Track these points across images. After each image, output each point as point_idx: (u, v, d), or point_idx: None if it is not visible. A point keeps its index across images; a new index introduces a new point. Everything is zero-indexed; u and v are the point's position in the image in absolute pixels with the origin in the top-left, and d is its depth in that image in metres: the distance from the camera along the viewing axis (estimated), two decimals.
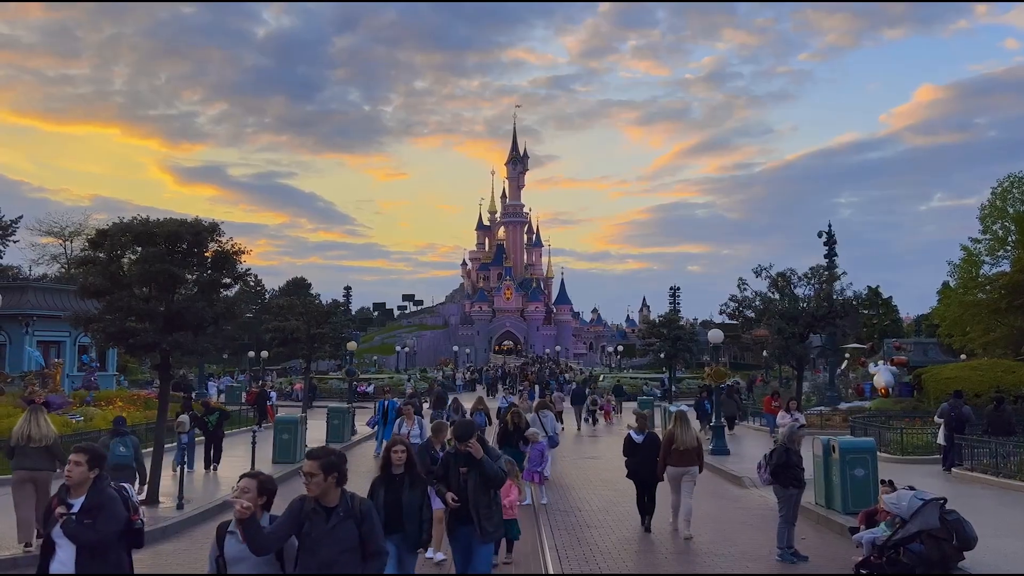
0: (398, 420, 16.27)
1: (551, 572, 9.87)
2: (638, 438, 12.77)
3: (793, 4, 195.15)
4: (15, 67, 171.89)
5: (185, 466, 17.54)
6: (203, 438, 19.32)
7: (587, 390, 37.71)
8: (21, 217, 58.36)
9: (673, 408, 17.34)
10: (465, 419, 8.34)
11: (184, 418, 18.26)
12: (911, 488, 9.44)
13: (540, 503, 14.08)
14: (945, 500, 9.13)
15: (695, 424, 18.31)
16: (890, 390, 30.91)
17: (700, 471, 12.42)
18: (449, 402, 25.63)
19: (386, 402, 22.78)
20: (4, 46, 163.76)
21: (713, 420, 23.66)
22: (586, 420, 32.01)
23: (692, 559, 10.66)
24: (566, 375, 61.53)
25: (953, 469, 17.72)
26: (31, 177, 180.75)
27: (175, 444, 18.24)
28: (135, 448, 12.26)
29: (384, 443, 19.24)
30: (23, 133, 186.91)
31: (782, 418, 19.17)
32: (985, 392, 23.71)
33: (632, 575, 9.90)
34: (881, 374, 32.25)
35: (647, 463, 12.52)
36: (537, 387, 42.99)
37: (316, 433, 24.48)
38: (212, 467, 18.69)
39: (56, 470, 10.58)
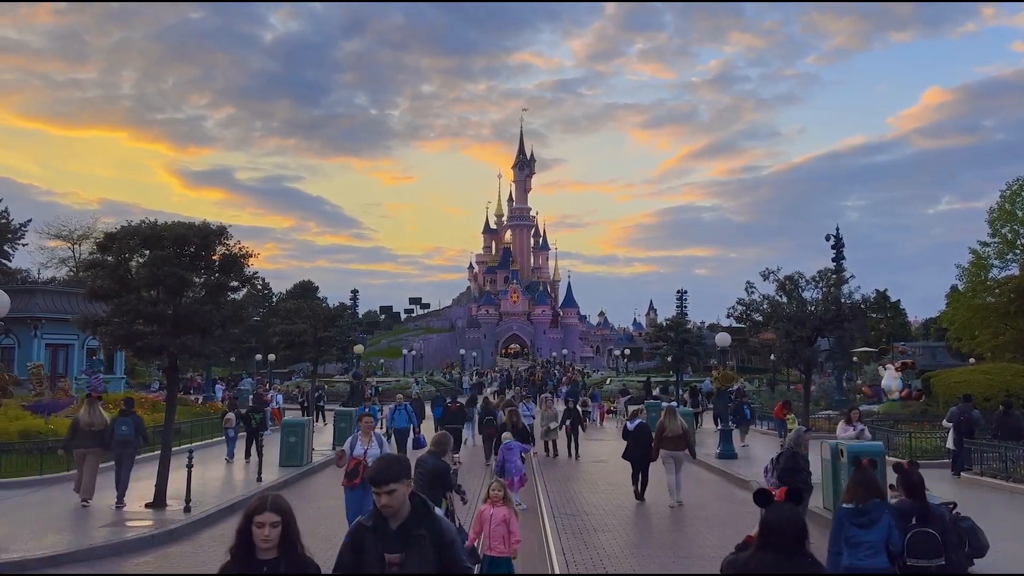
0: (349, 438, 11.60)
1: (557, 573, 9.85)
2: (631, 426, 15.94)
3: (800, 7, 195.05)
4: (24, 71, 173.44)
5: (231, 457, 20.78)
6: (244, 434, 21.17)
7: (579, 391, 38.10)
8: (30, 220, 58.79)
9: (665, 404, 19.85)
10: (388, 455, 4.56)
11: (231, 415, 21.21)
12: None
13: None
14: (955, 504, 9.07)
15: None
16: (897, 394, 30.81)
17: (693, 457, 15.92)
18: (480, 401, 25.89)
19: (367, 408, 20.77)
20: (13, 50, 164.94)
21: (721, 424, 23.58)
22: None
23: (700, 563, 10.61)
24: (570, 376, 61.48)
25: (962, 473, 17.63)
26: (39, 180, 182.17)
27: (222, 439, 21.96)
28: (136, 426, 14.53)
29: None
30: (32, 137, 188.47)
31: (843, 431, 15.48)
32: (994, 396, 23.58)
33: (640, 575, 9.88)
34: (887, 378, 32.12)
35: (639, 446, 15.30)
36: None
37: (324, 436, 24.51)
38: (256, 457, 19.67)
39: (104, 449, 14.15)
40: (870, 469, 7.20)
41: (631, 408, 20.04)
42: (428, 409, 27.50)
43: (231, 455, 20.94)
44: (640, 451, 15.16)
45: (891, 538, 6.50)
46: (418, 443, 19.38)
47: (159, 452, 14.95)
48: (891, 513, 6.64)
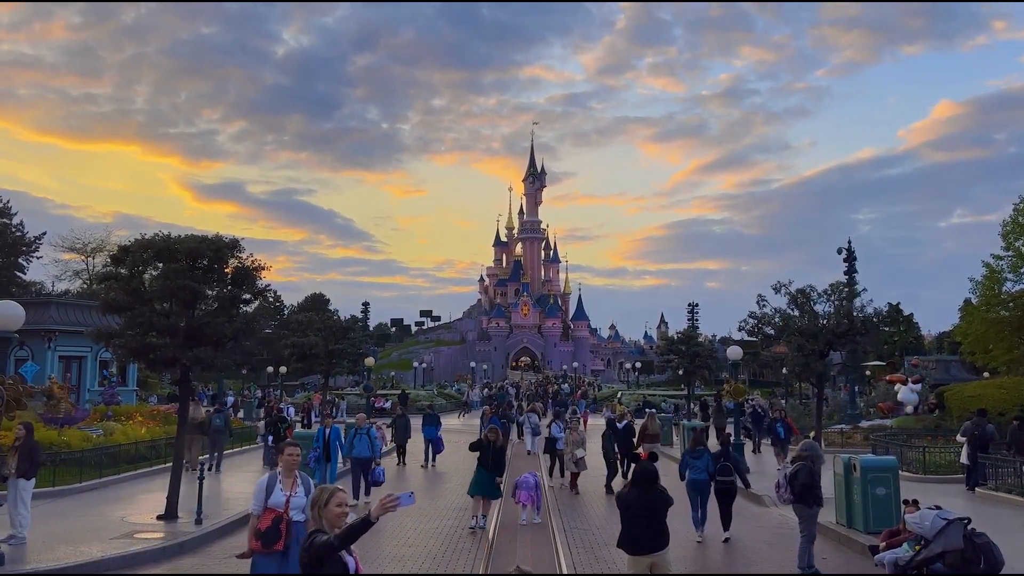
0: (261, 480, 7.45)
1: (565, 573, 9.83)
2: (619, 425, 20.27)
3: (811, 19, 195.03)
4: (39, 86, 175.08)
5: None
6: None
7: (569, 401, 38.40)
8: (44, 233, 59.29)
9: (648, 410, 25.46)
10: None
11: (260, 424, 23.62)
12: (936, 507, 9.30)
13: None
14: (969, 520, 8.99)
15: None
16: (913, 408, 30.66)
17: (658, 444, 22.63)
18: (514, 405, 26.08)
19: (328, 430, 16.89)
20: (29, 65, 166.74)
21: (734, 438, 23.38)
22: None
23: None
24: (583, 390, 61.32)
25: (977, 488, 17.47)
26: (54, 194, 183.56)
27: (234, 451, 24.20)
28: (227, 420, 20.82)
29: (326, 486, 17.25)
30: (46, 151, 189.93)
31: None
32: (1009, 410, 23.41)
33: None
34: (903, 392, 31.94)
35: (625, 440, 19.81)
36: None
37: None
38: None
39: (203, 435, 20.62)
40: (700, 433, 14.04)
41: (618, 412, 23.05)
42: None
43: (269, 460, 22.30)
44: (627, 443, 19.86)
45: (709, 466, 12.76)
46: (375, 476, 16.08)
47: (171, 464, 15.01)
48: (709, 454, 13.03)
